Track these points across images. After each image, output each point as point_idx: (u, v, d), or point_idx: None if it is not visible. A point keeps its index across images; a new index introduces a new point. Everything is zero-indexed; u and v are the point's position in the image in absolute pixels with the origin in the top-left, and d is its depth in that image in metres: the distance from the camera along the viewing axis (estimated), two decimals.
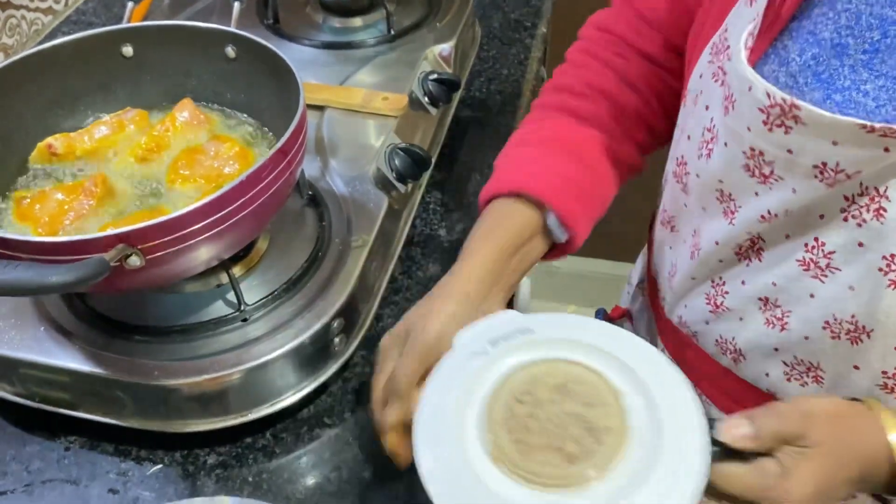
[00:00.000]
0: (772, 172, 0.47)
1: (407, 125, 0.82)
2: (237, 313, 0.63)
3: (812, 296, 0.49)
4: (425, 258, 0.79)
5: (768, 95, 0.45)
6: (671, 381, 0.43)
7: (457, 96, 0.92)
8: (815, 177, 0.45)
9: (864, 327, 0.47)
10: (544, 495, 0.40)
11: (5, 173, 0.66)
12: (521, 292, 1.82)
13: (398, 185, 0.76)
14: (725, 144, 0.50)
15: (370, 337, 0.67)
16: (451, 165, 0.89)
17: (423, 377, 0.49)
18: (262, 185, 0.57)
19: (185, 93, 0.72)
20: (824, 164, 0.44)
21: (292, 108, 0.60)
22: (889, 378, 0.48)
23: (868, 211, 0.45)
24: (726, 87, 0.49)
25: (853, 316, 0.47)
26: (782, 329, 0.51)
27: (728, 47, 0.49)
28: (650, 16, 0.66)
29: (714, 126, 0.52)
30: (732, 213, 0.51)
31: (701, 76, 0.54)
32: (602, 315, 0.78)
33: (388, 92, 0.83)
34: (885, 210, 0.44)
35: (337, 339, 0.64)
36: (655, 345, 0.70)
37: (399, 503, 0.59)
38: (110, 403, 0.61)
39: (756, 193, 0.49)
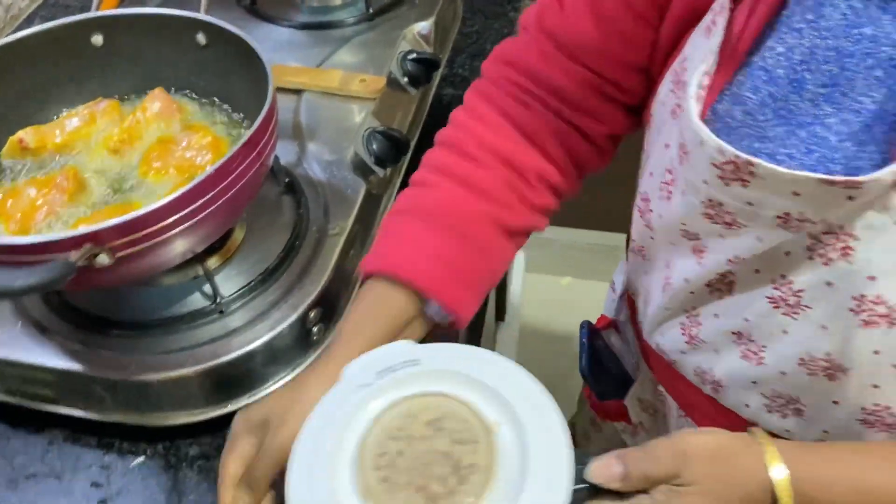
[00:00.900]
0: (734, 221, 0.45)
1: (386, 107, 0.81)
2: (213, 306, 0.63)
3: (785, 332, 0.47)
4: None
5: (721, 152, 0.43)
6: (548, 422, 0.43)
7: (437, 75, 0.91)
8: (779, 226, 0.43)
9: (839, 365, 0.46)
10: None
11: None
12: (516, 266, 1.82)
13: (377, 169, 0.75)
14: (683, 193, 0.48)
15: None
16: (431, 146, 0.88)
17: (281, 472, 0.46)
18: (233, 177, 0.56)
19: (157, 82, 0.71)
20: (787, 214, 0.43)
21: (263, 96, 0.60)
22: (868, 414, 0.47)
23: (834, 250, 0.43)
24: (680, 133, 0.47)
25: (828, 354, 0.46)
26: (759, 363, 0.50)
27: (686, 82, 0.47)
28: (569, 43, 0.58)
29: (673, 169, 0.49)
30: (701, 252, 0.50)
31: (663, 104, 0.52)
32: (587, 328, 0.75)
33: (367, 73, 0.82)
34: (851, 249, 0.42)
35: (315, 329, 0.64)
36: (640, 366, 0.68)
37: None
38: (90, 398, 0.61)
39: (721, 236, 0.47)
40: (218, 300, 0.63)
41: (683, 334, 0.55)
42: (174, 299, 0.64)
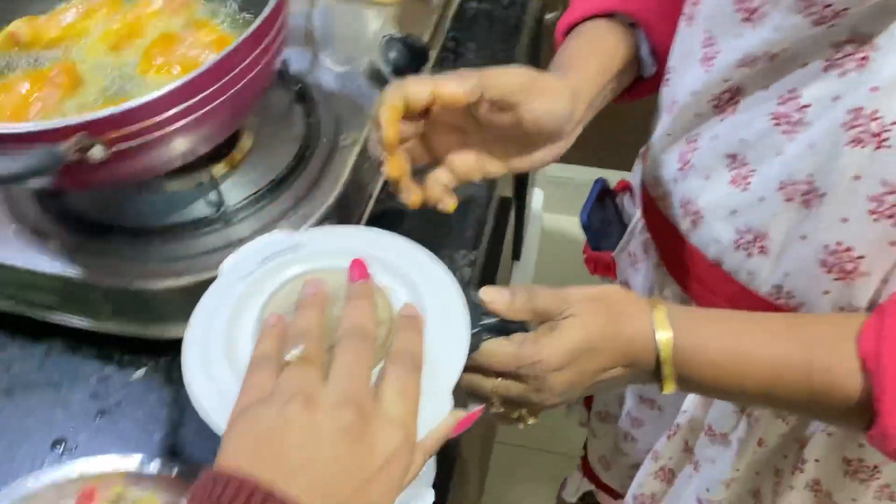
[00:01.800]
0: (757, 8, 0.46)
1: (406, 15, 0.76)
2: (218, 213, 0.59)
3: (778, 153, 0.48)
4: None
5: None
6: (434, 275, 0.45)
7: None
8: (800, 12, 0.43)
9: (817, 189, 0.46)
10: None
11: None
12: (533, 205, 1.78)
13: (394, 79, 0.70)
14: None
15: None
16: (454, 63, 0.83)
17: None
18: (236, 72, 0.52)
19: None
20: None
21: None
22: (830, 254, 0.48)
23: (853, 60, 0.43)
24: None
25: (810, 175, 0.46)
26: (744, 189, 0.51)
27: None
28: None
29: None
30: (711, 59, 0.50)
31: None
32: (601, 185, 0.76)
33: None
34: (867, 59, 0.42)
35: None
36: (637, 224, 0.70)
37: None
38: (89, 307, 0.59)
39: (737, 36, 0.48)
40: (223, 208, 0.59)
41: (679, 161, 0.56)
42: (178, 206, 0.60)
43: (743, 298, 0.54)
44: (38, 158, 0.43)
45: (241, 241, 0.57)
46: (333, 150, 0.64)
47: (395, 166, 0.47)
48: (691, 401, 0.65)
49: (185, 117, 0.50)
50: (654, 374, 0.47)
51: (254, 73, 0.54)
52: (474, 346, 0.45)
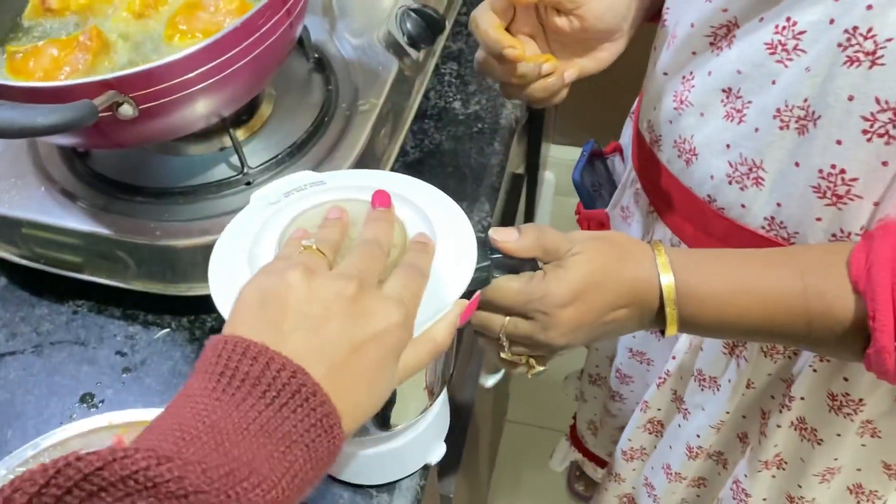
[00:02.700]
0: None
1: None
2: (240, 176, 0.61)
3: (773, 82, 0.49)
4: (439, 132, 0.76)
5: None
6: (449, 212, 0.47)
7: None
8: None
9: (813, 113, 0.47)
10: None
11: None
12: (545, 188, 1.79)
13: (410, 50, 0.72)
14: None
15: None
16: (469, 35, 0.85)
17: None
18: (258, 35, 0.54)
19: None
20: None
21: None
22: (823, 178, 0.48)
23: None
24: None
25: (805, 100, 0.47)
26: (740, 122, 0.52)
27: None
28: None
29: None
30: None
31: None
32: (591, 145, 0.78)
33: None
34: None
35: None
36: (629, 177, 0.71)
37: None
38: (114, 265, 0.60)
39: None
40: (245, 170, 0.61)
41: (675, 101, 0.57)
42: (201, 168, 0.62)
43: (735, 235, 0.55)
44: (75, 110, 0.45)
45: None
46: (351, 115, 0.66)
47: (520, 50, 0.52)
48: (681, 346, 0.66)
49: (210, 78, 0.52)
50: (658, 315, 0.49)
51: (275, 36, 0.55)
52: (485, 282, 0.47)
